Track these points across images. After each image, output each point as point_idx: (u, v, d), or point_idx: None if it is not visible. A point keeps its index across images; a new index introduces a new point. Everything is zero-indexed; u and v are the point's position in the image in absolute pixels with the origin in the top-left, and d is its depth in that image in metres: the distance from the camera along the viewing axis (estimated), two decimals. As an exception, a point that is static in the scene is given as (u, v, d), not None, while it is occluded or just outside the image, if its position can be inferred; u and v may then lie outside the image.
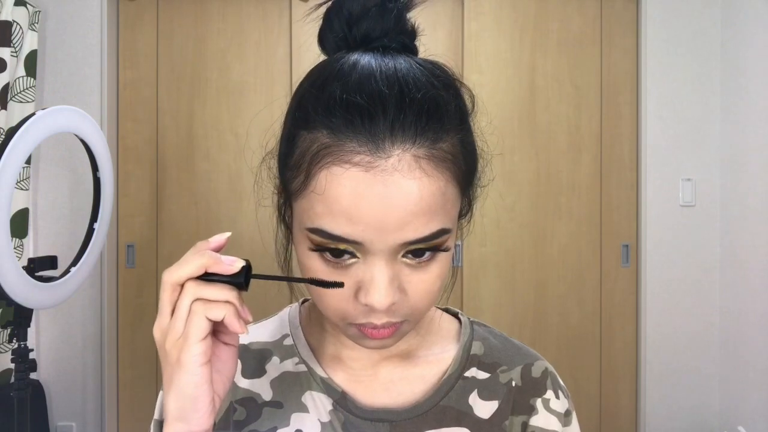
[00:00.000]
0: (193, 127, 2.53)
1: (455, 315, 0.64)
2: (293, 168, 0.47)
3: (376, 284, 0.45)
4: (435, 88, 0.45)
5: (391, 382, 0.57)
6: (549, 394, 0.59)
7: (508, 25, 2.54)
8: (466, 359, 0.59)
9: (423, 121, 0.44)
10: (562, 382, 0.61)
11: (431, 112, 0.44)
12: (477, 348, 0.60)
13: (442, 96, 0.46)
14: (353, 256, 0.45)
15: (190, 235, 2.53)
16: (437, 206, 0.44)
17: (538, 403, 0.58)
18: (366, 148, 0.43)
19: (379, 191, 0.42)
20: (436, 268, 0.47)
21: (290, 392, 0.56)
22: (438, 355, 0.59)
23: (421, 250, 0.45)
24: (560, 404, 0.59)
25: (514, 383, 0.58)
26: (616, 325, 2.56)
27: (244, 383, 0.57)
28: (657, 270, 2.50)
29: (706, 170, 2.50)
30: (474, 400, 0.57)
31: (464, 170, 0.48)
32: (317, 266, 0.46)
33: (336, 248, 0.45)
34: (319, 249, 0.46)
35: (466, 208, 0.53)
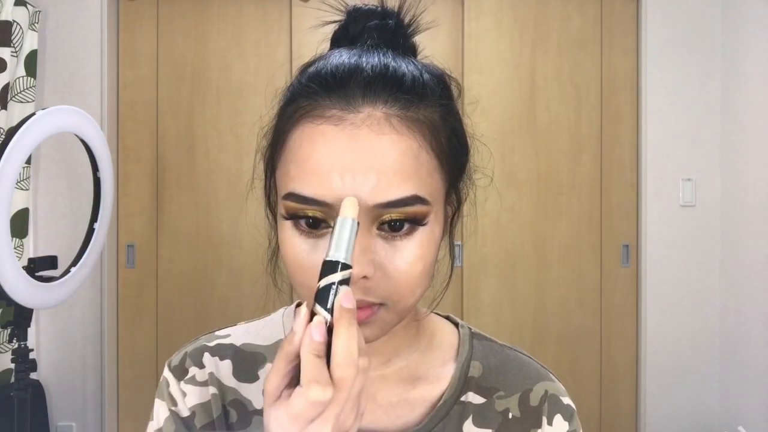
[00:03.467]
0: (193, 127, 2.54)
1: (456, 324, 0.61)
2: (275, 140, 0.48)
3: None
4: (415, 67, 0.48)
5: (391, 405, 0.54)
6: (544, 424, 0.56)
7: (508, 25, 2.54)
8: (464, 382, 0.56)
9: (396, 87, 0.45)
10: (565, 401, 0.58)
11: (406, 82, 0.46)
12: (475, 369, 0.57)
13: (422, 74, 0.47)
14: (329, 225, 0.44)
15: (190, 235, 2.53)
16: (409, 168, 0.43)
17: None
18: (338, 105, 0.44)
19: (346, 145, 0.43)
20: (415, 247, 0.44)
21: None
22: (438, 374, 0.56)
23: (397, 222, 0.44)
24: (553, 430, 0.56)
25: (511, 414, 0.56)
26: (616, 325, 2.56)
27: (234, 384, 0.55)
28: (657, 270, 2.50)
29: (706, 170, 2.50)
30: (468, 427, 0.54)
31: (447, 151, 0.47)
32: (293, 240, 0.45)
33: (308, 215, 0.44)
34: (293, 217, 0.45)
35: (454, 205, 0.52)
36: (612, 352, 2.56)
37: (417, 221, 0.44)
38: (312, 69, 0.47)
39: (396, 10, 0.51)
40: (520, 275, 2.54)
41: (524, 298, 2.54)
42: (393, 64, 0.47)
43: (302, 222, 0.45)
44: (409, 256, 0.44)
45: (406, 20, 0.51)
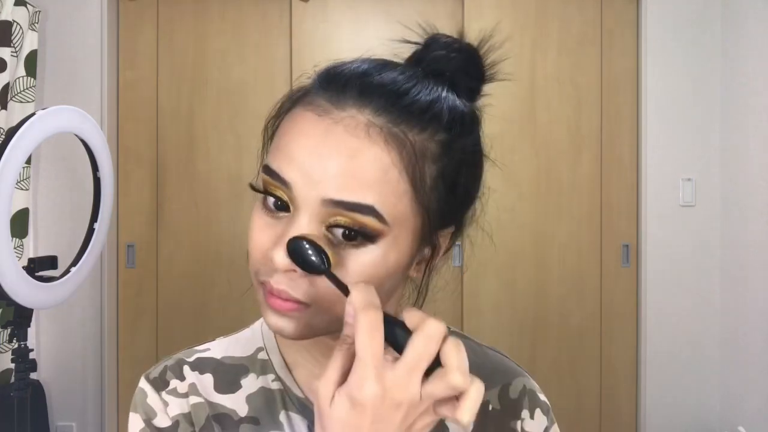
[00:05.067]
0: (193, 127, 2.53)
1: None
2: (274, 123, 0.49)
3: (285, 240, 0.43)
4: (437, 98, 0.46)
5: None
6: (524, 414, 0.58)
7: (508, 25, 2.53)
8: None
9: (393, 101, 0.44)
10: (542, 397, 0.60)
11: (407, 101, 0.45)
12: None
13: (437, 105, 0.46)
14: (287, 210, 0.45)
15: (190, 235, 2.53)
16: (371, 178, 0.42)
17: (518, 425, 0.58)
18: (330, 99, 0.45)
19: (319, 135, 0.43)
20: (363, 259, 0.44)
21: (267, 409, 0.54)
22: None
23: (350, 231, 0.43)
24: (536, 424, 0.58)
25: (491, 407, 0.57)
26: (616, 325, 2.56)
27: (217, 398, 0.55)
28: (657, 270, 2.50)
29: (706, 170, 2.50)
30: (449, 421, 0.54)
31: (429, 189, 0.45)
32: (256, 215, 0.47)
33: (274, 193, 0.45)
34: (265, 191, 0.46)
35: (431, 251, 0.50)
36: (612, 352, 2.56)
37: (368, 236, 0.43)
38: (329, 67, 0.48)
39: (476, 48, 0.49)
40: (520, 275, 2.54)
41: (524, 299, 2.54)
42: (407, 84, 0.45)
43: (270, 201, 0.46)
44: (354, 265, 0.43)
45: (484, 64, 0.50)
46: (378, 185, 0.42)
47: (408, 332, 0.40)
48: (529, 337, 2.54)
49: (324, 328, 0.46)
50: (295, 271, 0.43)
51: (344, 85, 0.45)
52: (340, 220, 0.43)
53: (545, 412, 0.59)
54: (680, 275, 2.50)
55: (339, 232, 0.43)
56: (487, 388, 0.55)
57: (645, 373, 2.51)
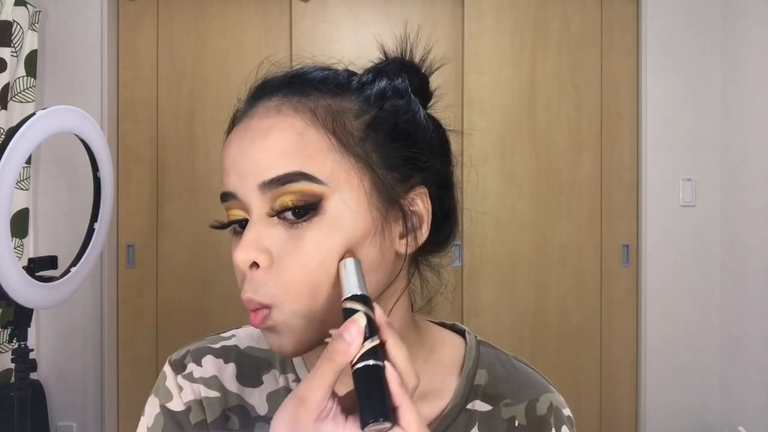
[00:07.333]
0: (193, 127, 2.53)
1: (462, 333, 0.59)
2: None
3: (243, 240, 0.44)
4: (339, 72, 0.50)
5: None
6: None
7: (508, 25, 2.53)
8: (470, 390, 0.55)
9: (298, 81, 0.47)
10: (566, 412, 0.58)
11: (310, 77, 0.48)
12: (481, 377, 0.56)
13: (344, 75, 0.49)
14: (247, 221, 0.46)
15: (190, 235, 2.53)
16: (291, 145, 0.44)
17: None
18: (247, 108, 0.49)
19: (239, 136, 0.46)
20: (313, 232, 0.43)
21: None
22: (438, 389, 0.55)
23: (298, 209, 0.43)
24: None
25: (517, 422, 0.55)
26: (616, 325, 2.56)
27: (237, 389, 0.55)
28: (657, 270, 2.50)
29: (706, 170, 2.50)
30: None
31: (361, 138, 0.45)
32: (233, 246, 0.47)
33: (234, 219, 0.46)
34: (230, 223, 0.47)
35: (405, 209, 0.48)
36: (612, 352, 2.56)
37: (314, 206, 0.43)
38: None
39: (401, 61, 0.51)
40: (520, 275, 2.54)
41: (524, 298, 2.54)
42: (311, 69, 0.49)
43: (237, 227, 0.48)
44: (306, 246, 0.43)
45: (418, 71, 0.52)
46: (298, 149, 0.44)
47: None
48: (529, 337, 2.54)
49: (306, 329, 0.45)
50: (257, 266, 0.44)
51: (255, 91, 0.49)
52: (278, 203, 0.44)
53: (570, 428, 0.58)
54: (680, 275, 2.50)
55: (289, 214, 0.44)
56: (514, 403, 0.56)
57: (645, 373, 2.51)
